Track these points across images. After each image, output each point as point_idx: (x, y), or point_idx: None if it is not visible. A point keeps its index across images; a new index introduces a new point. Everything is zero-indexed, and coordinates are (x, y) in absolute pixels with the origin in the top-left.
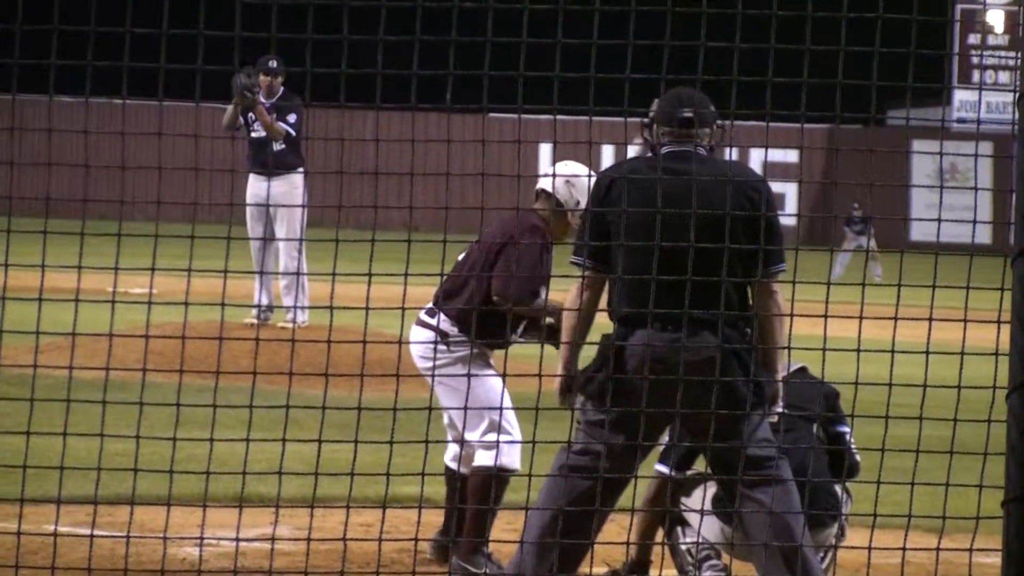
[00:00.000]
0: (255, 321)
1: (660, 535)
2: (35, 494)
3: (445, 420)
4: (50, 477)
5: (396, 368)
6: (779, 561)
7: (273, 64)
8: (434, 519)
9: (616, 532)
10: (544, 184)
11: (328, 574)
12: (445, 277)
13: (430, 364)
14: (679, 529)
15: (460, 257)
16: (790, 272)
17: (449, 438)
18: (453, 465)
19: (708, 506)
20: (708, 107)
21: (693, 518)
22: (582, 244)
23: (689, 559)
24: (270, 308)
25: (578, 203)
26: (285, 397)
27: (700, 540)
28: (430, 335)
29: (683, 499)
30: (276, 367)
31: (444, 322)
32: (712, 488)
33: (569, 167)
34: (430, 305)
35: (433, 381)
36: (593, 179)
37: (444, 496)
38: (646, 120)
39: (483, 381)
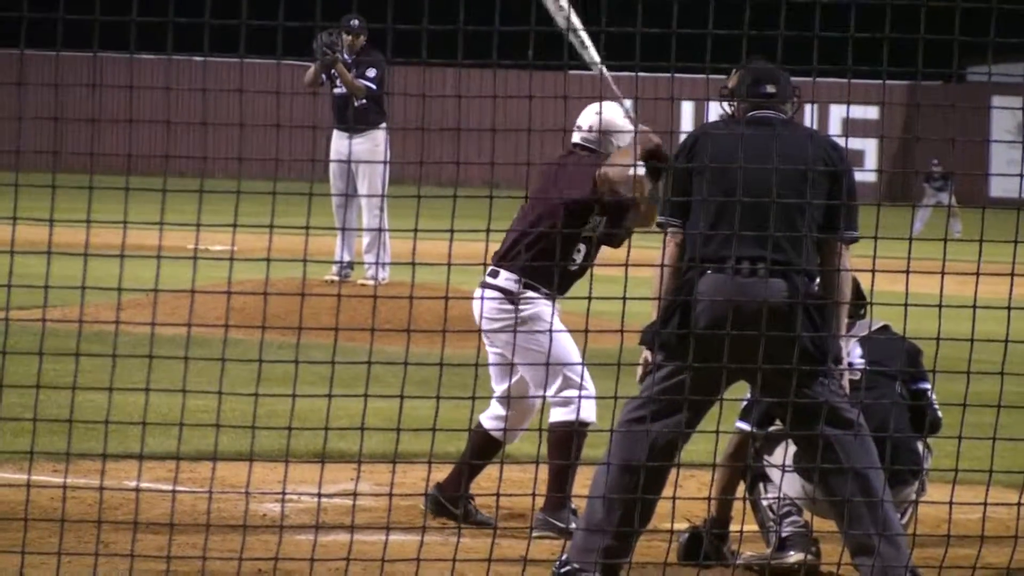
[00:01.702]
0: (335, 278)
1: (741, 491)
2: (117, 450)
3: (493, 379)
4: (132, 433)
5: (477, 324)
6: (859, 514)
7: (355, 23)
8: (515, 475)
9: (696, 488)
10: (576, 139)
11: (409, 529)
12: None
13: (498, 326)
14: (760, 485)
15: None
16: (871, 228)
17: (495, 398)
18: (488, 424)
19: (789, 463)
20: (787, 82)
21: (775, 474)
22: (668, 201)
23: (770, 515)
24: (351, 265)
25: (617, 146)
26: (365, 353)
27: (781, 496)
28: (495, 296)
29: (765, 455)
30: (356, 324)
31: (507, 280)
32: (793, 445)
33: (594, 114)
34: (491, 268)
35: (504, 345)
36: (619, 112)
37: (512, 452)
38: (723, 91)
39: (555, 338)
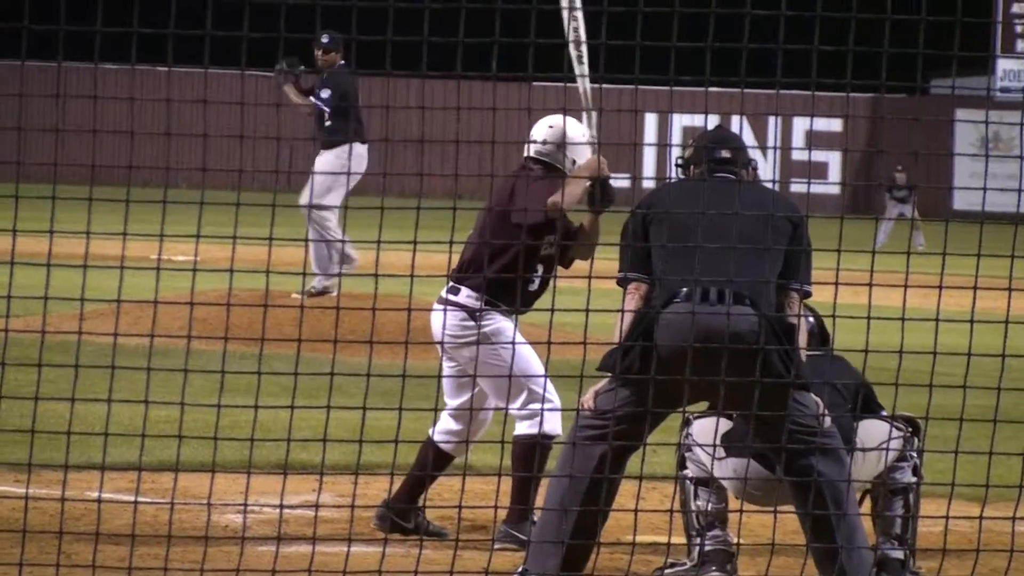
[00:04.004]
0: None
1: (667, 503)
2: (79, 461)
3: (447, 394)
4: (94, 444)
5: (435, 339)
6: (826, 526)
7: (324, 39)
8: (477, 487)
9: (659, 500)
10: (530, 152)
11: (372, 541)
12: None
13: (461, 343)
14: (692, 489)
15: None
16: (834, 240)
17: (448, 412)
18: (439, 439)
19: (719, 446)
20: (743, 148)
21: (730, 463)
22: (627, 258)
23: (695, 524)
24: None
25: (573, 161)
26: (328, 364)
27: (733, 491)
28: (456, 314)
29: (692, 434)
30: (320, 335)
31: (468, 297)
32: (725, 425)
33: (547, 128)
34: (451, 284)
35: (467, 361)
36: (575, 126)
37: (475, 464)
38: (680, 162)
39: (518, 351)
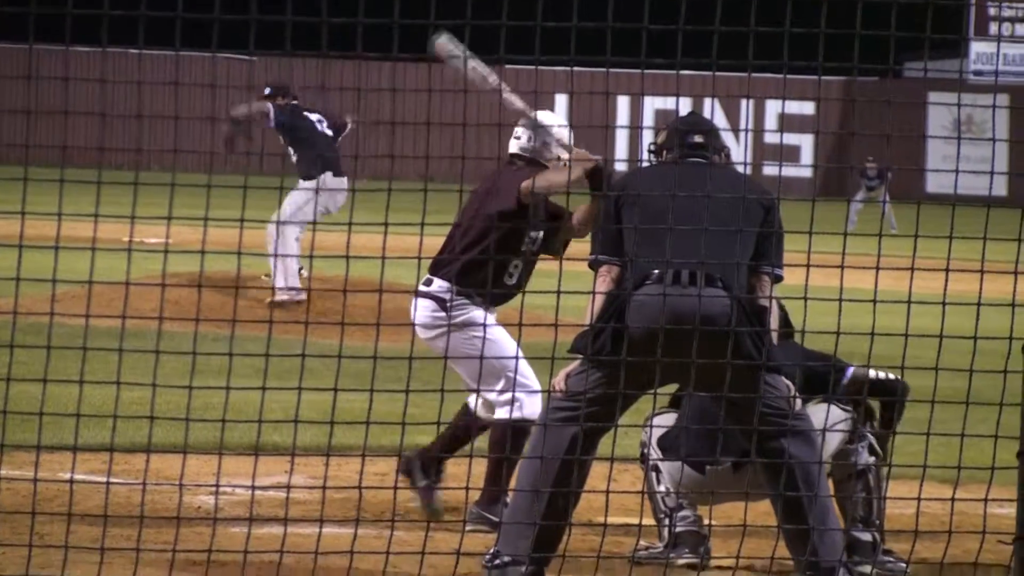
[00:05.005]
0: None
1: (638, 484)
2: (51, 442)
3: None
4: (66, 425)
5: (411, 318)
6: (800, 510)
7: (266, 91)
8: (450, 468)
9: (631, 482)
10: (513, 148)
11: (343, 522)
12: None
13: (434, 334)
14: (654, 475)
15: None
16: (806, 223)
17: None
18: (472, 405)
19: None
20: (717, 134)
21: (665, 465)
22: (599, 243)
23: (662, 507)
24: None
25: (558, 157)
26: (299, 346)
27: (676, 490)
28: (428, 305)
29: (653, 444)
30: (291, 317)
31: (439, 288)
32: (671, 421)
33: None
34: (426, 276)
35: (443, 352)
36: (556, 121)
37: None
38: (652, 147)
39: (495, 340)
